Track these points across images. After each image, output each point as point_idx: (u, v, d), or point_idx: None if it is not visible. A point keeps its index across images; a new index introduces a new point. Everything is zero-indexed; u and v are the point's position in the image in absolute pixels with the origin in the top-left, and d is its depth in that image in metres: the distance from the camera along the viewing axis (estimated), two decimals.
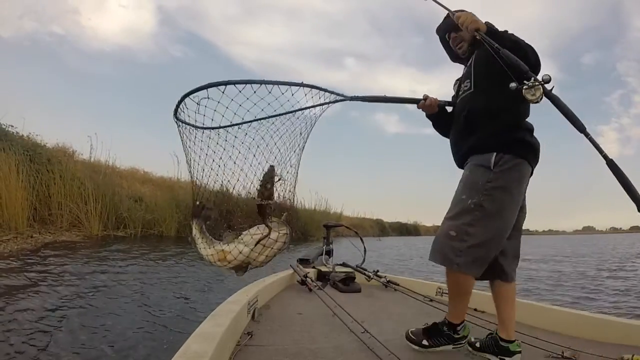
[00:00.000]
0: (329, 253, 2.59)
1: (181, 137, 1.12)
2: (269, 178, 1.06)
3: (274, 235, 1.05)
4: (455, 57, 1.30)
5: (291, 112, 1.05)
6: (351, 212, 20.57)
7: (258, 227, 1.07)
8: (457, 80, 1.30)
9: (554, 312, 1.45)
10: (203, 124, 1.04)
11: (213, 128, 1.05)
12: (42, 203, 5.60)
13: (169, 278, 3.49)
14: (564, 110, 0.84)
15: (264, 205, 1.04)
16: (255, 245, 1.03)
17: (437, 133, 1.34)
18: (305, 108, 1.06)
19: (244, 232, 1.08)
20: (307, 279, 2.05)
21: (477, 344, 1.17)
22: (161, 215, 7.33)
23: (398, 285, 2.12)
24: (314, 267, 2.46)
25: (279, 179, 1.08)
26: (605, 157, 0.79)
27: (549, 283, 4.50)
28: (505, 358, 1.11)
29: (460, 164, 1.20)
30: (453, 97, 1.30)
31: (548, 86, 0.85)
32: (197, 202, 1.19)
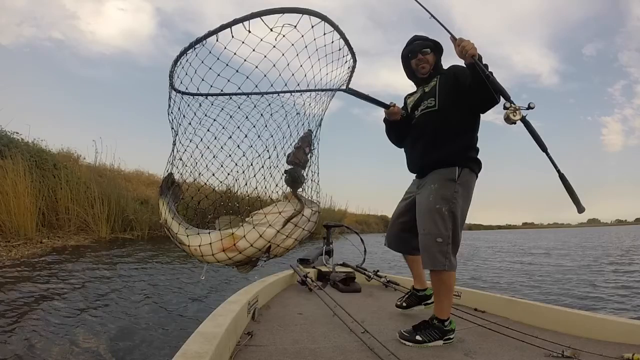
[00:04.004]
0: (329, 253, 2.59)
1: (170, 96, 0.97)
2: (307, 142, 0.89)
3: (307, 212, 0.83)
4: (411, 75, 1.48)
5: (278, 92, 0.91)
6: (355, 209, 20.63)
7: (286, 203, 0.84)
8: (410, 95, 1.52)
9: (555, 312, 1.44)
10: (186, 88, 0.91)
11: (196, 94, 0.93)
12: (49, 208, 5.69)
13: (175, 278, 3.54)
14: (533, 133, 1.06)
15: (297, 174, 0.84)
16: (284, 225, 0.80)
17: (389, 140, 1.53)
18: (298, 91, 0.94)
19: (254, 212, 0.86)
20: (307, 279, 2.06)
21: (404, 304, 1.63)
22: None
23: (398, 285, 2.12)
24: (314, 267, 2.48)
25: (311, 150, 0.90)
26: (558, 171, 1.05)
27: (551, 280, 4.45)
28: (427, 301, 1.58)
29: (420, 171, 1.40)
30: (403, 108, 1.49)
31: (524, 112, 1.05)
32: (167, 173, 0.97)
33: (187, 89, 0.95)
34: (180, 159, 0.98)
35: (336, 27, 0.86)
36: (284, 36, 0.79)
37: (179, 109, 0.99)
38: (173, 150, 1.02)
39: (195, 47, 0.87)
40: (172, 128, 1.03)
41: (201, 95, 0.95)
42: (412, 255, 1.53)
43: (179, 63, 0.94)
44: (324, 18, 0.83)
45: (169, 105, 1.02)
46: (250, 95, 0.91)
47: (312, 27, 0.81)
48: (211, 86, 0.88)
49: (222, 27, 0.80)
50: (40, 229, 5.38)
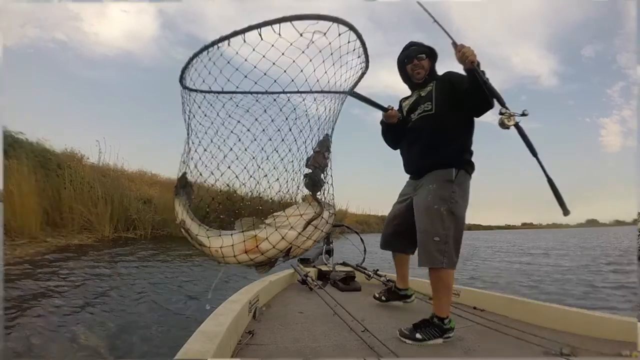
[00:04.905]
0: (329, 252, 2.60)
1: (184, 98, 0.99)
2: (325, 147, 0.92)
3: (325, 214, 0.88)
4: (407, 80, 1.51)
5: (287, 92, 0.91)
6: (356, 209, 20.58)
7: (307, 205, 0.87)
8: (405, 98, 1.55)
9: (553, 310, 1.44)
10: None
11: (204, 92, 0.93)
12: (53, 207, 5.73)
13: (177, 277, 3.56)
14: (525, 138, 1.10)
15: (317, 177, 0.86)
16: (305, 227, 0.83)
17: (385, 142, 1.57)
18: (304, 92, 0.93)
19: (274, 214, 0.87)
20: (308, 278, 2.07)
21: (383, 298, 1.69)
22: (170, 216, 7.44)
23: None
24: (314, 267, 2.48)
25: (328, 154, 0.92)
26: (546, 175, 1.08)
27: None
28: (407, 300, 1.68)
29: (417, 172, 1.43)
30: (398, 110, 1.51)
31: (518, 119, 1.09)
32: (182, 173, 0.97)
33: (210, 88, 0.95)
34: (200, 159, 0.98)
35: (359, 37, 0.89)
36: (313, 42, 0.82)
37: (199, 107, 0.98)
38: (187, 151, 1.02)
39: (219, 45, 0.86)
40: (190, 128, 1.01)
41: (226, 93, 0.94)
42: (400, 255, 1.59)
43: (199, 60, 0.92)
44: (351, 27, 0.86)
45: (183, 104, 1.01)
46: (275, 99, 0.92)
47: (340, 35, 0.85)
48: (237, 87, 0.89)
49: (250, 28, 0.81)
50: (44, 228, 5.42)
